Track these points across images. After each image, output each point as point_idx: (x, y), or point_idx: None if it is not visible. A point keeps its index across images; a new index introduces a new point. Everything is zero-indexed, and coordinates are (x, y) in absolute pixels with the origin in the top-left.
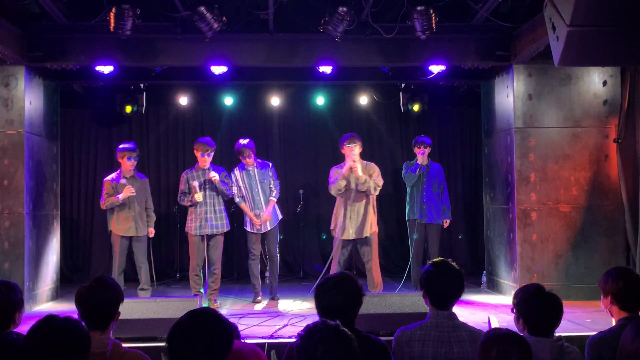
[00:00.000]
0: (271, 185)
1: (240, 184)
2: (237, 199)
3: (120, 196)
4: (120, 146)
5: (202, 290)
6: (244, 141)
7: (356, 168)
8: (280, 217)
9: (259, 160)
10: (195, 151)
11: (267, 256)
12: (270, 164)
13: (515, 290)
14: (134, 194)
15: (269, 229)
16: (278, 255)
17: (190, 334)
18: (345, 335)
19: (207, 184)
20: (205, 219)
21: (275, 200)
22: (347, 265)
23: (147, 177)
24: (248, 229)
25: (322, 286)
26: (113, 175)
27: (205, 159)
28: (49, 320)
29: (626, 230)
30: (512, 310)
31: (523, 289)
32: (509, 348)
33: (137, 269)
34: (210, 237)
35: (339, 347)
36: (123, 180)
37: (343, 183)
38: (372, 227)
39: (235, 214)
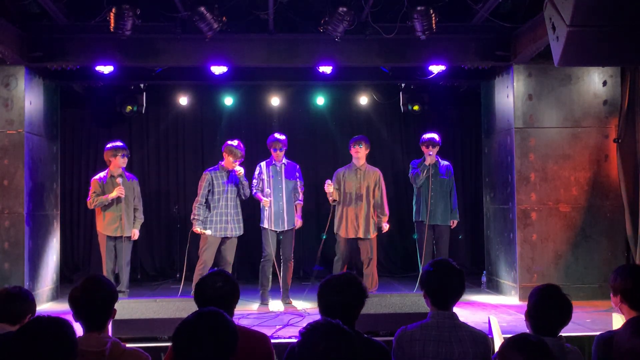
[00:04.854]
0: (298, 187)
1: (264, 176)
2: (254, 191)
3: (110, 195)
4: (110, 145)
5: None
6: (278, 135)
7: (329, 193)
8: (299, 221)
9: (288, 160)
10: (225, 153)
11: (280, 258)
12: (298, 166)
13: (515, 290)
14: (123, 195)
15: (286, 228)
16: (292, 260)
17: (196, 333)
18: (347, 332)
19: (230, 186)
20: (227, 221)
21: (302, 204)
22: (348, 263)
23: (137, 178)
24: (265, 225)
25: (326, 285)
26: (101, 174)
27: (234, 165)
28: (33, 325)
29: (626, 230)
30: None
31: (537, 288)
32: (527, 355)
33: (119, 269)
34: (227, 238)
35: (341, 343)
36: (119, 180)
37: (331, 198)
38: (373, 230)
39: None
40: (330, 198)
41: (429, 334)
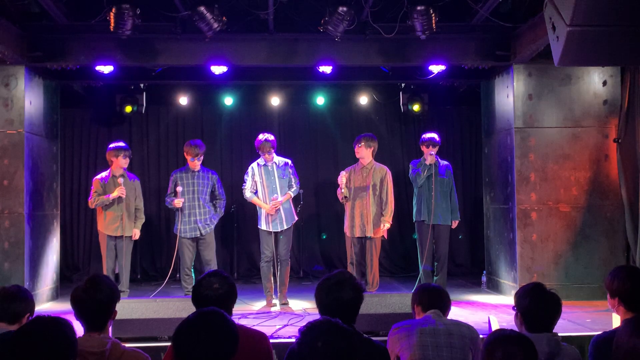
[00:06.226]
0: (292, 182)
1: (257, 178)
2: (247, 194)
3: (111, 195)
4: (112, 145)
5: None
6: (266, 136)
7: (341, 185)
8: (296, 218)
9: (279, 157)
10: (185, 154)
11: (277, 259)
12: (290, 161)
13: (515, 290)
14: (124, 195)
15: (284, 227)
16: (289, 260)
17: (197, 333)
18: (346, 330)
19: (195, 186)
20: (195, 221)
21: (292, 195)
22: (360, 263)
23: (138, 178)
24: (262, 227)
25: (323, 284)
26: (103, 174)
27: (195, 163)
28: (33, 324)
29: (626, 230)
30: (513, 308)
31: (523, 287)
32: (513, 349)
33: (119, 268)
34: (200, 238)
35: (340, 340)
36: (120, 180)
37: (341, 196)
38: (375, 229)
39: (234, 213)
40: (340, 195)
41: (420, 320)
